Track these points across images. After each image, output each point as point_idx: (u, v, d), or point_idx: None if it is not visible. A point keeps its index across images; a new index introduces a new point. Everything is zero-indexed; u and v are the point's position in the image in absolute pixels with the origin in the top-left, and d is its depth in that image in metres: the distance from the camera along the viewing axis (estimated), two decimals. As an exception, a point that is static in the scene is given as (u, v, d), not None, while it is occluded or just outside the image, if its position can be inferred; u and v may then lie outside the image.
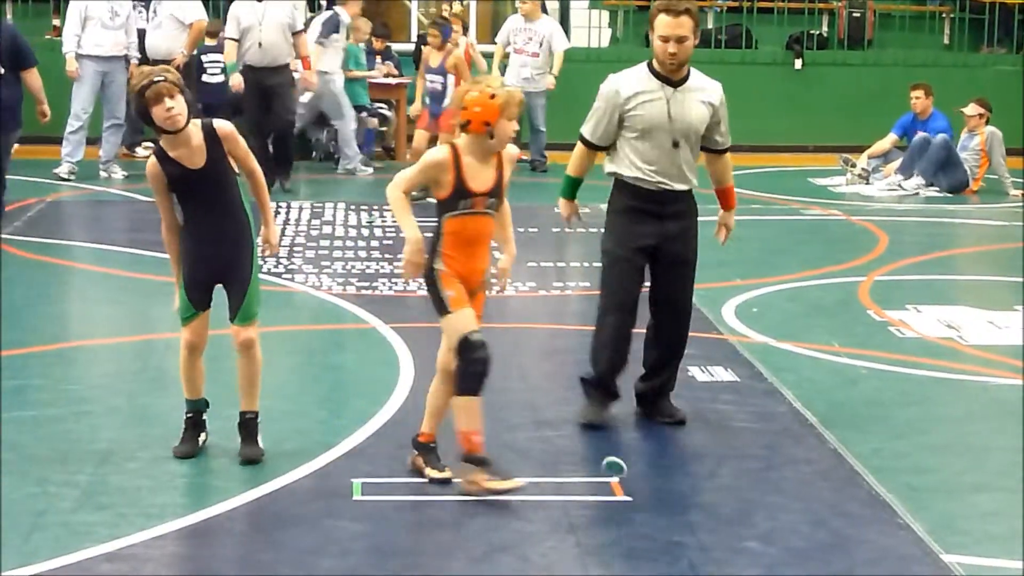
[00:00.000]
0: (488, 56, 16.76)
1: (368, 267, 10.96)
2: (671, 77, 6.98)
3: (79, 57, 15.38)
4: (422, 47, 14.92)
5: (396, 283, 10.39)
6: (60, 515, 5.73)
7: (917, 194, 15.91)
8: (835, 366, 8.39)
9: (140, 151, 17.41)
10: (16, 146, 15.34)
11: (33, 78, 11.74)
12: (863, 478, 6.36)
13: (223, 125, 6.30)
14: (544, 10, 19.49)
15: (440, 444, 6.27)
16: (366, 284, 10.35)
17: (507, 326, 8.92)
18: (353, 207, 13.82)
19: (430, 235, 6.09)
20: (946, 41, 21.13)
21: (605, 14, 20.50)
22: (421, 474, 6.20)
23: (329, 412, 7.35)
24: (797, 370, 8.24)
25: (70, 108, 15.45)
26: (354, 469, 6.33)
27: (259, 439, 6.43)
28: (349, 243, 11.96)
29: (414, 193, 6.19)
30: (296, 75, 15.81)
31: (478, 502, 5.94)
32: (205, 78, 16.66)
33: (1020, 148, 17.64)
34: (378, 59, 17.73)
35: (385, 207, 13.59)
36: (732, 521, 5.83)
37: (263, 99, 14.72)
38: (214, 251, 6.30)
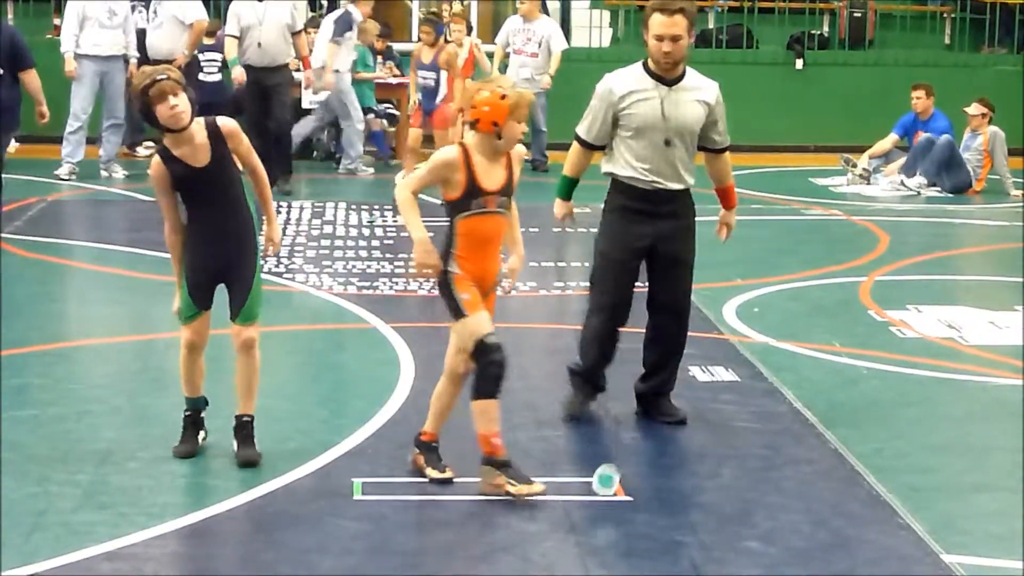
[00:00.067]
0: (488, 56, 16.75)
1: (369, 267, 10.96)
2: (666, 76, 6.98)
3: (78, 57, 15.38)
4: (439, 38, 14.90)
5: (397, 283, 10.39)
6: (60, 515, 5.73)
7: (919, 194, 15.91)
8: (836, 366, 8.39)
9: (141, 150, 17.41)
10: (17, 146, 15.40)
11: (32, 79, 11.75)
12: (864, 478, 6.36)
13: (226, 122, 6.30)
14: (545, 11, 19.52)
15: (441, 444, 6.27)
16: (367, 284, 10.35)
17: (507, 326, 8.91)
18: (354, 207, 13.82)
19: (431, 235, 6.07)
20: (947, 41, 21.14)
21: (606, 14, 20.51)
22: (422, 473, 6.20)
23: (330, 412, 7.35)
24: (798, 370, 8.24)
25: (69, 108, 15.45)
26: (355, 469, 6.33)
27: (255, 442, 6.42)
28: (350, 243, 11.96)
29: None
30: (297, 75, 15.83)
31: (478, 502, 5.94)
32: (202, 76, 16.66)
33: (1021, 148, 17.63)
34: (379, 59, 17.73)
35: (386, 207, 13.65)
36: (733, 521, 5.83)
37: (263, 99, 14.73)
38: (218, 250, 6.30)
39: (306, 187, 15.46)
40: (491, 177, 6.05)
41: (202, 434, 6.53)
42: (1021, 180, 16.13)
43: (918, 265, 11.66)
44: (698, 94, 7.03)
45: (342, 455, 6.53)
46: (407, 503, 5.94)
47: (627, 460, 6.69)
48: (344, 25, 16.00)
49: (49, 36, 18.17)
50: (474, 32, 17.57)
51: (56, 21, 18.44)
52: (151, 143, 17.30)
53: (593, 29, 19.99)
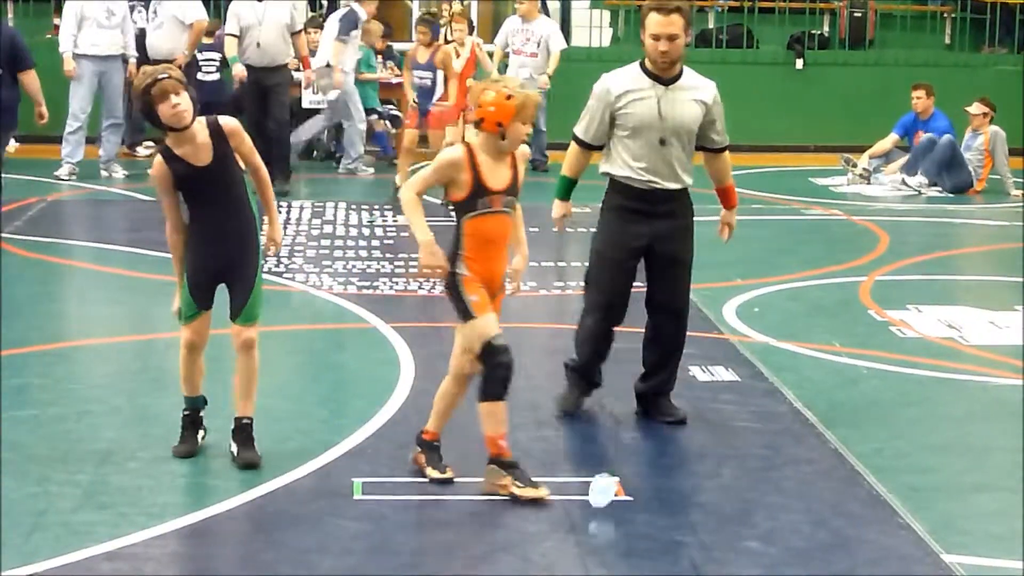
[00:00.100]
0: (488, 56, 16.74)
1: (369, 266, 10.96)
2: (663, 76, 6.99)
3: (76, 57, 15.37)
4: (435, 38, 14.87)
5: (397, 282, 10.39)
6: (61, 515, 5.73)
7: (920, 193, 15.90)
8: (836, 366, 8.39)
9: (141, 150, 17.41)
10: (17, 146, 15.40)
11: (31, 80, 11.75)
12: (864, 478, 6.35)
13: (228, 121, 6.30)
14: (545, 11, 19.50)
15: (442, 443, 6.27)
16: (367, 284, 10.35)
17: (507, 326, 8.89)
18: (354, 206, 13.82)
19: (434, 235, 6.07)
20: (947, 41, 21.13)
21: (606, 14, 20.51)
22: (422, 472, 6.20)
23: (330, 411, 7.35)
24: (798, 370, 8.24)
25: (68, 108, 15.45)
26: (355, 468, 6.33)
27: (255, 444, 6.41)
28: (350, 242, 11.96)
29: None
30: (297, 75, 15.82)
31: (479, 502, 5.94)
32: (200, 76, 16.66)
33: (1021, 148, 17.63)
34: (379, 59, 17.73)
35: (386, 207, 13.65)
36: (733, 521, 5.83)
37: (262, 99, 14.73)
38: (219, 249, 6.29)
39: (306, 187, 15.47)
40: (496, 177, 6.04)
41: (201, 433, 6.53)
42: (1021, 180, 16.13)
43: (918, 265, 11.65)
44: (695, 93, 7.03)
45: (342, 455, 6.53)
46: (407, 503, 5.94)
47: (627, 460, 6.70)
48: (350, 24, 16.00)
49: (49, 36, 18.18)
50: (475, 31, 17.57)
51: (56, 21, 18.42)
52: (151, 143, 17.30)
53: (593, 29, 19.99)
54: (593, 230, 7.34)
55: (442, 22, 18.31)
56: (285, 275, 10.47)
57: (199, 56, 16.74)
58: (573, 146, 7.19)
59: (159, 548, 5.44)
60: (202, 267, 6.30)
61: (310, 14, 18.50)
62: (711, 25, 20.68)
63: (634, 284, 7.22)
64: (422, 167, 6.51)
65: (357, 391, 7.84)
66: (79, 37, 15.38)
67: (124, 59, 15.74)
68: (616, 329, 7.34)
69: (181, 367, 6.46)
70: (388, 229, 12.65)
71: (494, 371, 5.99)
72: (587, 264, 7.32)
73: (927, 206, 15.30)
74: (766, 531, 5.71)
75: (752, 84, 19.56)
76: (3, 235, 11.52)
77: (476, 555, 5.48)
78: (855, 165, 16.63)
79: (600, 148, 7.11)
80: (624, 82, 7.01)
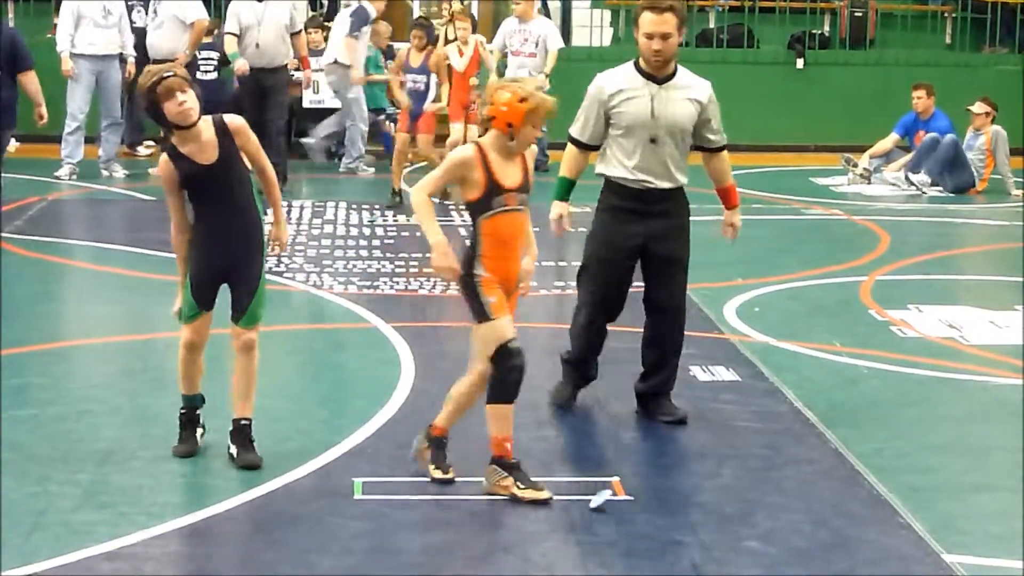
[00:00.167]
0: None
1: (369, 266, 10.96)
2: (657, 75, 7.00)
3: (73, 56, 15.36)
4: (429, 42, 14.85)
5: (397, 282, 10.39)
6: (61, 514, 5.73)
7: (923, 193, 15.90)
8: (836, 366, 8.38)
9: (141, 150, 17.42)
10: (17, 145, 15.39)
11: (30, 81, 11.76)
12: (864, 478, 6.35)
13: (234, 119, 6.29)
14: (546, 11, 19.49)
15: (448, 445, 6.26)
16: (367, 283, 10.35)
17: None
18: (354, 206, 13.82)
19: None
20: (948, 41, 21.13)
21: (607, 13, 20.50)
22: (424, 468, 6.19)
23: (330, 411, 7.34)
24: (798, 370, 8.23)
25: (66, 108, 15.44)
26: (355, 468, 6.32)
27: (254, 445, 6.40)
28: (350, 242, 11.96)
29: None
30: (297, 74, 15.82)
31: (479, 502, 5.94)
32: (198, 75, 16.68)
33: (1022, 148, 17.63)
34: (381, 58, 17.73)
35: (387, 206, 13.65)
36: (733, 520, 5.82)
37: (261, 99, 14.71)
38: (223, 249, 6.27)
39: (306, 187, 15.46)
40: (509, 174, 6.03)
41: (200, 431, 6.52)
42: (1022, 180, 16.13)
43: (919, 265, 11.65)
44: (689, 92, 7.03)
45: (342, 455, 6.52)
46: (407, 503, 5.93)
47: (627, 460, 6.70)
48: (361, 20, 16.00)
49: (49, 35, 18.17)
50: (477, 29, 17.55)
51: (56, 20, 18.44)
52: (151, 142, 17.32)
53: (594, 29, 19.98)
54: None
55: (441, 22, 18.33)
56: (285, 275, 10.47)
57: (197, 55, 16.75)
58: (570, 147, 7.19)
59: (159, 548, 5.44)
60: (206, 266, 6.29)
61: (310, 13, 18.51)
62: (712, 25, 20.67)
63: (631, 283, 7.23)
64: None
65: (357, 391, 7.83)
66: (76, 37, 15.37)
67: (122, 58, 15.74)
68: (616, 329, 7.35)
69: (180, 366, 6.45)
70: (388, 229, 12.65)
71: (507, 374, 5.99)
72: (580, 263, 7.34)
73: (928, 206, 15.30)
74: (766, 531, 5.71)
75: (753, 84, 19.56)
76: (3, 235, 11.52)
77: (476, 555, 5.48)
78: (856, 165, 16.63)
79: (597, 148, 7.11)
80: (618, 81, 7.02)
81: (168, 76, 6.08)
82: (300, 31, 15.34)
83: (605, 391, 7.47)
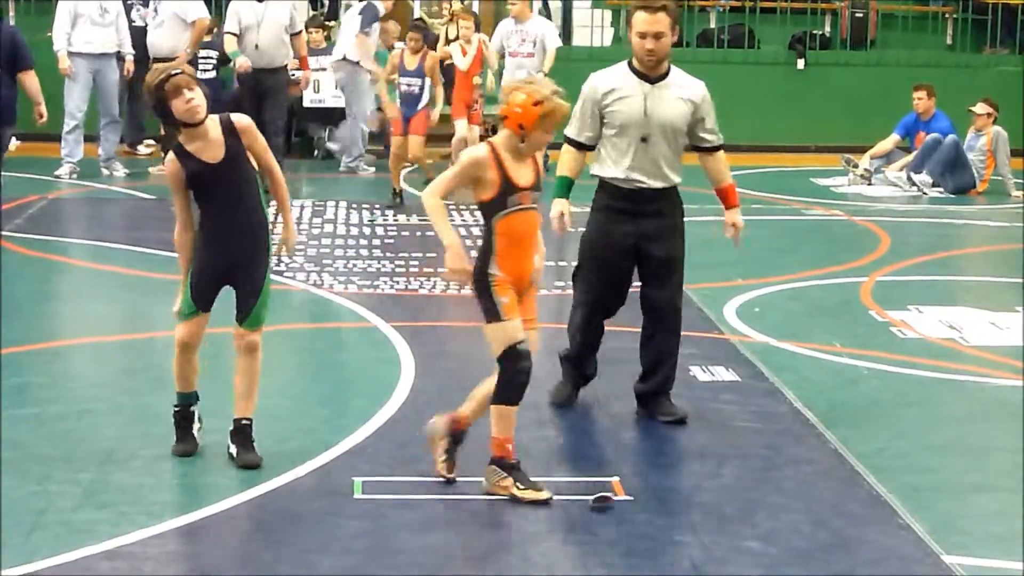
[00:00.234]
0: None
1: (369, 266, 10.96)
2: (650, 74, 7.02)
3: (70, 55, 15.35)
4: (424, 45, 14.85)
5: (397, 281, 10.39)
6: (61, 513, 5.73)
7: (924, 193, 15.90)
8: (836, 366, 8.38)
9: (142, 149, 17.42)
10: (18, 144, 15.41)
11: (30, 80, 11.77)
12: (864, 478, 6.35)
13: (240, 118, 6.29)
14: (547, 10, 19.48)
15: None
16: (367, 283, 10.35)
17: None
18: (355, 205, 13.82)
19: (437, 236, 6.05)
20: (949, 42, 21.13)
21: (607, 13, 20.51)
22: (432, 448, 6.17)
23: (330, 411, 7.34)
24: (798, 370, 8.23)
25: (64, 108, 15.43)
26: (355, 468, 6.32)
27: (255, 445, 6.39)
28: (351, 241, 11.96)
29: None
30: (298, 74, 15.82)
31: (479, 501, 5.94)
32: (197, 74, 16.66)
33: (1022, 149, 17.62)
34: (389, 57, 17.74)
35: (387, 206, 13.64)
36: (733, 521, 5.82)
37: (260, 100, 14.69)
38: (226, 248, 6.25)
39: (307, 186, 15.46)
40: (522, 173, 6.02)
41: (197, 426, 6.50)
42: (1022, 181, 16.13)
43: (919, 266, 11.65)
44: (682, 92, 7.05)
45: (342, 454, 6.52)
46: (407, 502, 5.93)
47: (627, 459, 6.70)
48: (371, 16, 16.01)
49: (49, 34, 18.18)
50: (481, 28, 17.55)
51: (58, 19, 18.45)
52: (151, 141, 17.32)
53: (595, 29, 19.98)
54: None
55: (441, 21, 18.33)
56: (286, 274, 10.47)
57: (197, 54, 16.74)
58: (566, 147, 7.19)
59: (158, 547, 5.44)
60: (209, 265, 6.27)
61: (311, 13, 18.51)
62: (713, 25, 20.68)
63: (630, 282, 7.23)
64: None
65: (358, 390, 7.83)
66: (73, 35, 15.36)
67: (120, 57, 15.74)
68: (615, 329, 7.36)
69: (175, 366, 6.43)
70: (389, 228, 12.65)
71: (514, 376, 5.98)
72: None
73: (928, 207, 15.30)
74: (766, 531, 5.71)
75: (753, 84, 19.57)
76: (4, 233, 11.53)
77: (476, 555, 5.48)
78: (856, 165, 16.63)
79: (593, 148, 7.12)
80: (611, 80, 7.04)
81: (176, 74, 6.09)
82: (300, 31, 15.34)
83: (605, 391, 7.47)
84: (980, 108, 16.33)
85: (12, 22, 17.28)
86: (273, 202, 6.55)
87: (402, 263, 11.03)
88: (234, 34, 14.82)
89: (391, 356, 8.29)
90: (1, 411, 6.92)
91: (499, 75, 16.18)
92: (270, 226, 6.40)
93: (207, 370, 6.56)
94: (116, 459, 6.37)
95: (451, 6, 18.40)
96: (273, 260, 6.48)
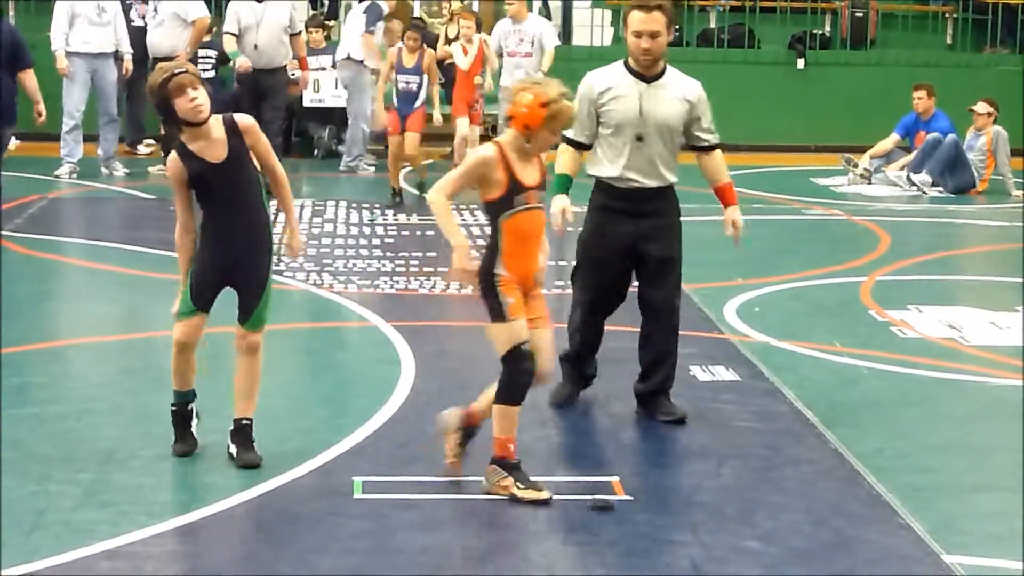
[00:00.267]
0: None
1: (369, 265, 10.96)
2: (645, 73, 7.03)
3: (68, 55, 15.34)
4: (422, 44, 14.84)
5: (398, 281, 10.39)
6: (61, 513, 5.73)
7: (923, 193, 15.90)
8: (836, 366, 8.38)
9: (142, 148, 17.43)
10: (18, 143, 15.38)
11: (30, 79, 11.79)
12: (864, 478, 6.35)
13: (244, 118, 6.28)
14: (547, 11, 19.47)
15: (443, 443, 6.26)
16: (367, 282, 10.35)
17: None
18: (355, 205, 13.82)
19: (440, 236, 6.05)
20: (949, 41, 21.13)
21: (607, 13, 20.50)
22: (444, 441, 6.16)
23: (330, 411, 7.34)
24: (798, 370, 8.23)
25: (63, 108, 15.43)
26: (355, 467, 6.32)
27: (255, 445, 6.38)
28: (351, 241, 11.96)
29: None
30: (297, 75, 15.81)
31: (479, 501, 5.94)
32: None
33: (1022, 149, 17.62)
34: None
35: (387, 206, 13.64)
36: (733, 520, 5.82)
37: (259, 101, 14.68)
38: (228, 249, 6.23)
39: (307, 185, 15.46)
40: (528, 173, 6.02)
41: (194, 423, 6.49)
42: (1022, 180, 16.13)
43: (919, 265, 11.65)
44: (678, 91, 7.05)
45: (343, 454, 6.52)
46: (408, 502, 5.93)
47: (627, 459, 6.70)
48: (375, 15, 16.02)
49: (49, 33, 18.19)
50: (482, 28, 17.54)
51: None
52: (151, 140, 17.32)
53: (595, 28, 19.98)
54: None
55: (441, 21, 18.33)
56: (285, 274, 10.47)
57: (196, 53, 16.74)
58: (564, 146, 7.19)
59: (159, 547, 5.44)
60: (211, 266, 6.24)
61: (311, 12, 18.51)
62: (712, 25, 20.68)
63: (629, 281, 7.24)
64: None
65: (358, 390, 7.83)
66: (71, 35, 15.36)
67: (118, 56, 15.73)
68: (615, 329, 7.36)
69: (173, 365, 6.40)
70: (389, 228, 12.65)
71: (518, 377, 5.98)
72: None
73: (928, 206, 15.31)
74: (766, 531, 5.71)
75: (753, 84, 19.57)
76: (4, 233, 11.53)
77: (476, 555, 5.48)
78: (856, 165, 16.63)
79: (590, 147, 7.13)
80: (606, 79, 7.05)
81: (180, 73, 6.08)
82: (299, 32, 15.33)
83: (605, 391, 7.47)
84: (981, 107, 16.33)
85: (12, 22, 17.30)
86: (273, 202, 6.54)
87: (402, 263, 11.03)
88: (233, 34, 14.81)
89: (391, 356, 8.29)
90: (1, 411, 6.92)
91: (497, 75, 16.18)
92: (272, 226, 6.40)
93: (208, 370, 6.55)
94: (116, 459, 6.37)
95: (450, 6, 18.41)
96: (275, 261, 6.46)
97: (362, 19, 16.11)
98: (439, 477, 6.17)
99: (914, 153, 16.47)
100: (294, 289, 10.12)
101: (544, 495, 5.93)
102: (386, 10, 16.24)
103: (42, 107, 12.04)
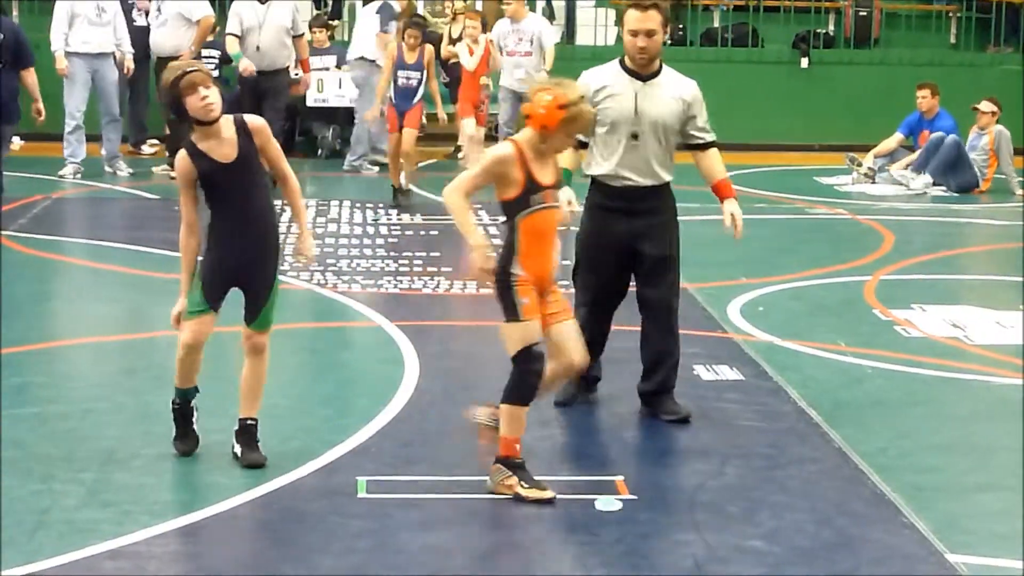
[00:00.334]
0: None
1: (373, 265, 10.96)
2: (641, 72, 7.04)
3: (68, 55, 15.34)
4: (422, 42, 14.82)
5: (401, 281, 10.39)
6: (64, 512, 5.73)
7: (925, 194, 15.90)
8: (840, 365, 8.37)
9: (146, 148, 17.44)
10: (21, 143, 15.41)
11: (31, 77, 11.81)
12: (868, 477, 6.34)
13: (254, 119, 6.28)
14: (551, 10, 19.46)
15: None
16: (371, 282, 10.35)
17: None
18: (358, 205, 13.82)
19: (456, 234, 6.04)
20: (952, 40, 21.13)
21: (611, 12, 20.49)
22: (484, 441, 6.16)
23: (334, 410, 7.34)
24: (802, 369, 8.23)
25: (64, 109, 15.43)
26: (358, 467, 6.32)
27: (259, 445, 6.37)
28: (354, 240, 11.96)
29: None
30: (298, 75, 15.81)
31: (481, 501, 5.94)
32: (210, 73, 16.66)
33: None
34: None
35: (390, 205, 13.64)
36: (737, 520, 5.81)
37: (259, 101, 14.67)
38: (235, 250, 6.21)
39: (310, 185, 15.46)
40: (545, 172, 6.01)
41: (195, 419, 6.47)
42: (1025, 179, 16.15)
43: (923, 264, 11.65)
44: (673, 90, 7.06)
45: (346, 453, 6.52)
46: (410, 501, 5.93)
47: (630, 458, 6.70)
48: (388, 15, 16.02)
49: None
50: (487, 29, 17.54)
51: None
52: (155, 140, 17.33)
53: (598, 28, 19.98)
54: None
55: (444, 20, 18.32)
56: (289, 273, 10.46)
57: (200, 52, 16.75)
58: None
59: (162, 546, 5.44)
60: (219, 265, 6.22)
61: (314, 12, 18.51)
62: (716, 24, 20.68)
63: (629, 279, 7.23)
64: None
65: (361, 390, 7.83)
66: (71, 35, 15.36)
67: (119, 55, 15.72)
68: (616, 329, 7.34)
69: (178, 364, 6.36)
70: (392, 227, 12.65)
71: (527, 377, 5.97)
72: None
73: (932, 205, 15.30)
74: (770, 530, 5.70)
75: (757, 83, 19.57)
76: (8, 233, 11.54)
77: (479, 554, 5.47)
78: (860, 164, 16.62)
79: (585, 146, 7.13)
80: (602, 78, 7.06)
81: (192, 71, 6.07)
82: (302, 34, 15.32)
83: (608, 390, 7.47)
84: (985, 106, 16.33)
85: (15, 20, 17.31)
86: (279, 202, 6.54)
87: (406, 262, 11.03)
88: (236, 35, 14.80)
89: (395, 355, 8.29)
90: (2, 411, 6.92)
91: (496, 75, 16.18)
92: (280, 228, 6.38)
93: (211, 370, 6.54)
94: (118, 458, 6.37)
95: (453, 5, 18.41)
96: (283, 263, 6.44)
97: (375, 19, 16.13)
98: (443, 476, 6.16)
99: (918, 152, 16.47)
100: (298, 289, 10.12)
101: (548, 494, 5.92)
102: (398, 10, 16.25)
103: (41, 105, 12.06)
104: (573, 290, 7.40)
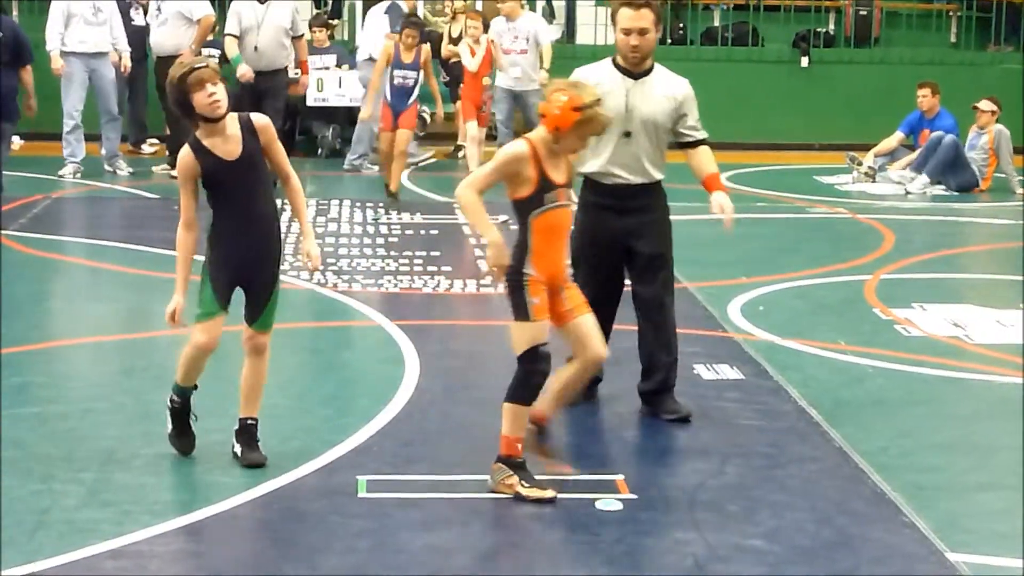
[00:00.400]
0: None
1: (373, 264, 10.95)
2: (634, 70, 7.06)
3: (64, 55, 15.34)
4: (420, 42, 14.81)
5: (401, 280, 10.38)
6: (64, 512, 5.73)
7: (924, 193, 15.90)
8: (841, 364, 8.37)
9: (146, 147, 17.44)
10: (22, 143, 15.41)
11: (28, 75, 11.84)
12: (868, 476, 6.34)
13: (260, 118, 6.27)
14: (551, 9, 19.46)
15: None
16: (371, 281, 10.34)
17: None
18: (358, 204, 13.82)
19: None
20: (953, 39, 21.13)
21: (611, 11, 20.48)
22: (531, 451, 6.13)
23: (334, 409, 7.34)
24: (803, 368, 8.23)
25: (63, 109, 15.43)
26: (359, 466, 6.32)
27: (259, 444, 6.37)
28: (354, 240, 11.96)
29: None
30: (298, 74, 15.81)
31: (481, 500, 5.94)
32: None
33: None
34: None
35: (380, 206, 13.63)
36: (737, 519, 5.81)
37: (258, 102, 14.65)
38: (240, 248, 6.20)
39: (310, 184, 15.45)
40: (558, 170, 6.01)
41: (192, 418, 6.46)
42: (1025, 178, 16.15)
43: (923, 263, 11.64)
44: (665, 89, 7.08)
45: (347, 453, 6.52)
46: (411, 501, 5.93)
47: (631, 458, 6.69)
48: (397, 16, 16.02)
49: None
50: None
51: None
52: (155, 140, 17.33)
53: (598, 27, 19.97)
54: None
55: (444, 20, 18.33)
56: (289, 273, 10.46)
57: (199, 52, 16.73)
58: None
59: (162, 546, 5.44)
60: (223, 264, 6.21)
61: (314, 11, 18.50)
62: (716, 23, 20.67)
63: (622, 275, 7.23)
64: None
65: (361, 389, 7.82)
66: (67, 35, 15.36)
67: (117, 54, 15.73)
68: (618, 328, 7.33)
69: (183, 362, 6.33)
70: (392, 226, 12.64)
71: (532, 378, 5.98)
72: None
73: (932, 204, 15.30)
74: (770, 529, 5.70)
75: (757, 82, 19.56)
76: (8, 233, 11.54)
77: (480, 553, 5.47)
78: (860, 163, 16.62)
79: None
80: (594, 76, 7.08)
81: (200, 67, 6.06)
82: (302, 35, 15.31)
83: (608, 390, 7.46)
84: (985, 105, 16.33)
85: (15, 19, 17.32)
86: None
87: (406, 262, 11.03)
88: (234, 36, 14.78)
89: (395, 355, 8.29)
90: (1, 411, 6.92)
91: (494, 75, 16.17)
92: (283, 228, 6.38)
93: (211, 370, 6.53)
94: (118, 458, 6.37)
95: (453, 4, 18.40)
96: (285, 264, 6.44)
97: (384, 19, 16.12)
98: (443, 476, 6.16)
99: (918, 151, 16.47)
100: (298, 288, 10.11)
101: (548, 494, 5.92)
102: (406, 10, 16.25)
103: (34, 102, 12.10)
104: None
